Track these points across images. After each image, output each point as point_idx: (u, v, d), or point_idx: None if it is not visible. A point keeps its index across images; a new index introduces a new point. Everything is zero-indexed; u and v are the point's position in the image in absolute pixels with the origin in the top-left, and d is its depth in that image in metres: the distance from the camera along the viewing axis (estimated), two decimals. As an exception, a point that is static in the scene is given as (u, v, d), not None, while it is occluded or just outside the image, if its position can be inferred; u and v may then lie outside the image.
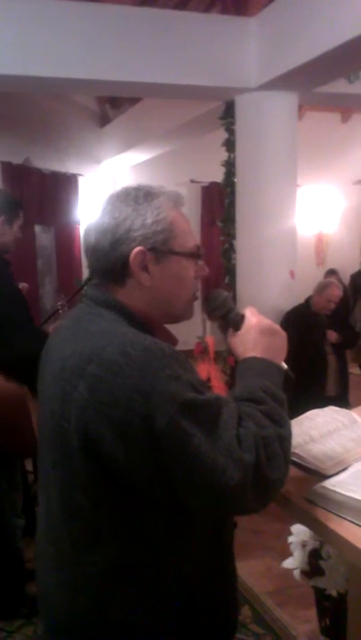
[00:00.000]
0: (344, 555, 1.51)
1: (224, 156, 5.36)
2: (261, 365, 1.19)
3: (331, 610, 2.21)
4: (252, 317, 1.25)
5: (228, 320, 1.28)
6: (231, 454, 0.98)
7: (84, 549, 1.09)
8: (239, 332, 1.25)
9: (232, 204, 5.31)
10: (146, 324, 1.14)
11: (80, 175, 8.55)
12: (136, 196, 1.15)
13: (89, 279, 4.31)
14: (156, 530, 1.08)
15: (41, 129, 7.79)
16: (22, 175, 7.80)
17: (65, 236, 8.53)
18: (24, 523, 2.86)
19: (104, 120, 8.84)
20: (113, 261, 1.13)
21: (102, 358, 1.01)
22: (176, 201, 1.19)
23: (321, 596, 2.21)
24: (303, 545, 2.17)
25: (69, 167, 8.39)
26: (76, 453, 1.04)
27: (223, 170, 5.40)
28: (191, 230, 1.21)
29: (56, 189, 8.22)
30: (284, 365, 1.24)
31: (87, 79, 4.59)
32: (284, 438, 1.08)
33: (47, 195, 8.09)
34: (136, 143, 7.77)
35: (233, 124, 5.20)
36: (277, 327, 1.26)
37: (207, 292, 1.33)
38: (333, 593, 2.10)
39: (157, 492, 1.03)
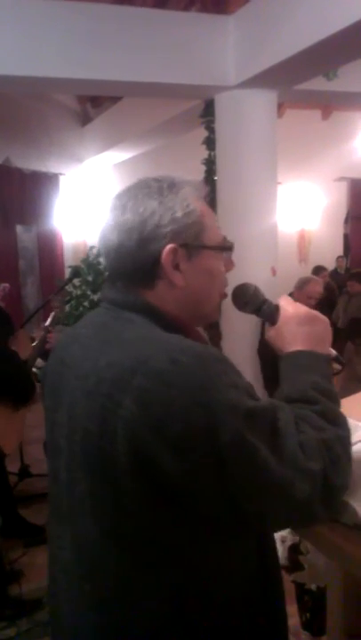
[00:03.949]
0: (320, 549, 1.52)
1: (205, 154, 5.37)
2: (306, 359, 1.08)
3: (311, 604, 2.22)
4: (287, 307, 1.14)
5: (262, 314, 1.17)
6: (297, 465, 0.90)
7: (133, 582, 0.95)
8: (276, 326, 1.14)
9: (213, 202, 5.32)
10: (180, 327, 1.02)
11: (61, 174, 8.52)
12: (160, 188, 1.03)
13: (70, 279, 4.23)
14: (212, 552, 0.97)
15: (21, 128, 7.75)
16: (3, 175, 7.76)
17: (47, 236, 8.50)
18: (1, 522, 2.85)
19: (85, 119, 8.82)
20: (141, 262, 1.00)
21: (149, 368, 0.87)
22: (200, 191, 1.08)
23: (301, 591, 2.22)
24: (282, 540, 2.18)
25: (50, 166, 8.35)
26: (124, 476, 0.89)
27: (204, 168, 5.41)
28: (216, 222, 1.10)
29: (37, 189, 8.20)
30: (333, 352, 1.14)
31: (66, 78, 4.58)
32: (344, 438, 0.99)
33: (28, 194, 8.07)
34: (117, 142, 7.76)
35: (213, 122, 5.22)
36: (316, 313, 1.14)
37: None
38: (313, 587, 2.12)
39: (217, 510, 0.91)
